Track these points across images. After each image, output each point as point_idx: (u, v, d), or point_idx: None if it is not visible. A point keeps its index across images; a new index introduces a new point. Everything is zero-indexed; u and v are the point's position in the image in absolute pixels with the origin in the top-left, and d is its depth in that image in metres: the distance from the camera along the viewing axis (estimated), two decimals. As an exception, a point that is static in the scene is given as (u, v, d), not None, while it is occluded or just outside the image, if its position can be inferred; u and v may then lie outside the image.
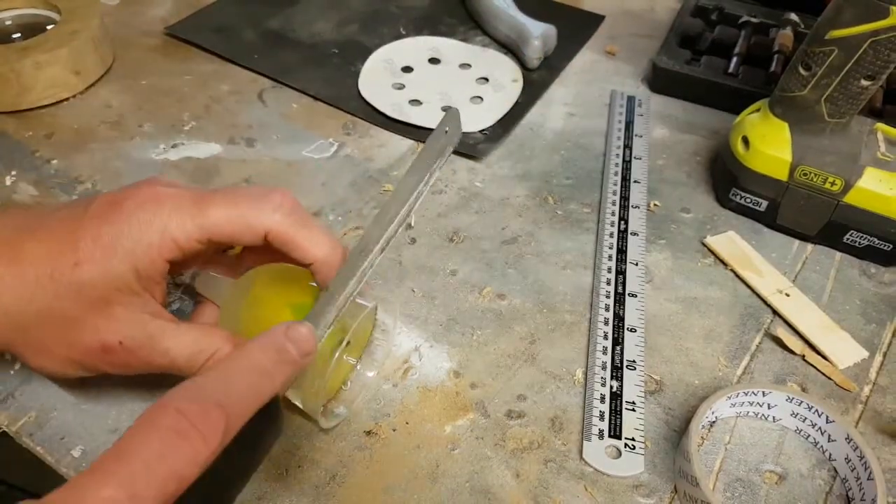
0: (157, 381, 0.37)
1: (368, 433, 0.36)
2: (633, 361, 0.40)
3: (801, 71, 0.43)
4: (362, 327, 0.38)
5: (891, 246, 0.45)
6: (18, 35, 0.57)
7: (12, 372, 0.38)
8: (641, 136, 0.55)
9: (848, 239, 0.46)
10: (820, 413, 0.36)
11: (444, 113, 0.55)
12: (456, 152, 0.53)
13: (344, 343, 0.33)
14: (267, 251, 0.39)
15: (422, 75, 0.60)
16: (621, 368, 0.39)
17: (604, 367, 0.39)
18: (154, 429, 0.23)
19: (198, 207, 0.32)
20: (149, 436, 0.23)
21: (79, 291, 0.31)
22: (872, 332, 0.43)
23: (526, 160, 0.53)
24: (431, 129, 0.54)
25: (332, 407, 0.37)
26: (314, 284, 0.34)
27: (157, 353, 0.32)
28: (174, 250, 0.32)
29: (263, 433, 0.27)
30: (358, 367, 0.39)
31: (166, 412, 0.23)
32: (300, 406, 0.35)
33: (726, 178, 0.49)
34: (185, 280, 0.39)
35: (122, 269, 0.31)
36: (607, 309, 0.42)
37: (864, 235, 0.46)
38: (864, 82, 0.42)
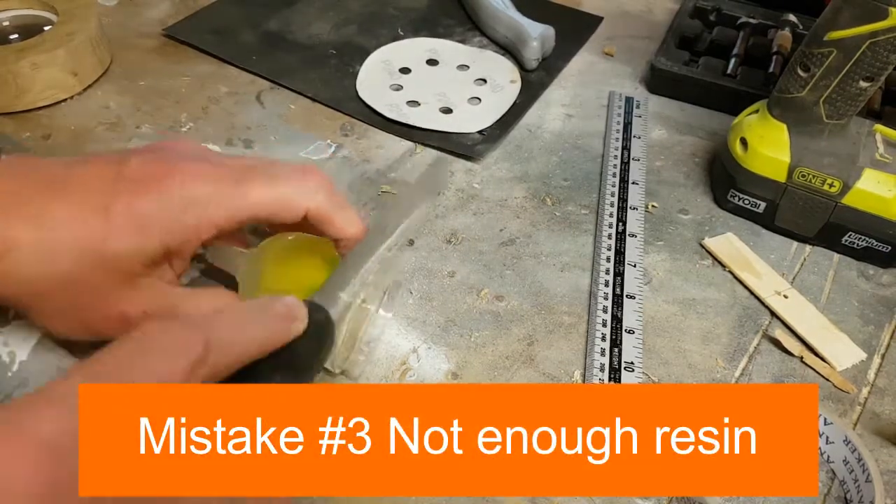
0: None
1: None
2: (632, 363, 0.40)
3: (800, 72, 0.43)
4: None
5: (889, 247, 0.45)
6: (16, 36, 0.57)
7: (10, 374, 0.37)
8: (639, 138, 0.55)
9: (846, 240, 0.46)
10: (818, 415, 0.36)
11: (442, 115, 0.56)
12: (454, 153, 0.53)
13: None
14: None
15: (420, 76, 0.60)
16: (619, 370, 0.39)
17: (602, 369, 0.39)
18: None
19: (238, 188, 0.32)
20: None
21: (105, 263, 0.30)
22: (871, 334, 0.43)
23: (524, 161, 0.53)
24: (430, 130, 0.54)
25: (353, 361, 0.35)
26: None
27: None
28: (212, 232, 0.32)
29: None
30: (377, 309, 0.36)
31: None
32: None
33: (724, 179, 0.49)
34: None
35: (154, 247, 0.31)
36: (605, 311, 0.42)
37: (863, 237, 0.46)
38: (863, 84, 0.42)
